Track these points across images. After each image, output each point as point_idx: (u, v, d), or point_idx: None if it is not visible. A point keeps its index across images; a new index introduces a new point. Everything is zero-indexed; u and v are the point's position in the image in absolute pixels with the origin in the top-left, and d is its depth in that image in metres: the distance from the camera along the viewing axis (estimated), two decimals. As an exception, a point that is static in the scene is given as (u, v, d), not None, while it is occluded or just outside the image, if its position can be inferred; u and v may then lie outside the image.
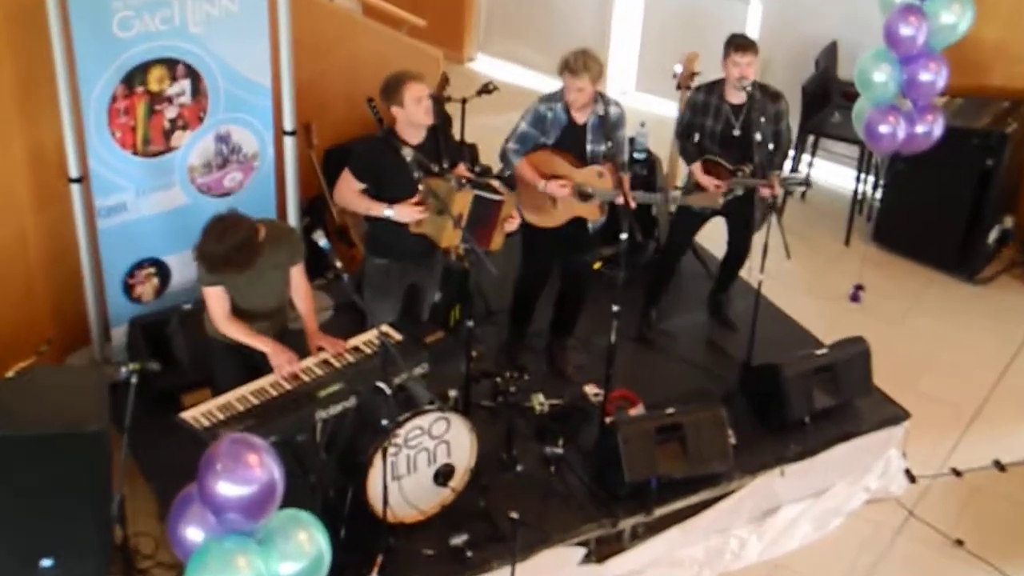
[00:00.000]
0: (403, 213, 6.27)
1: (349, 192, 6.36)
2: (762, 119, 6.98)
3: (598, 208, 6.80)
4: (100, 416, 5.66)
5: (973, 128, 8.38)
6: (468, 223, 6.22)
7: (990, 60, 8.72)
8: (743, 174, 7.04)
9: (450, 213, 6.14)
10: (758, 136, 6.94)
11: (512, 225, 6.48)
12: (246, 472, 4.67)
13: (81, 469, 5.61)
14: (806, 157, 9.43)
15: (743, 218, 7.38)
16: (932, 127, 7.92)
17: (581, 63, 6.54)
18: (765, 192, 6.96)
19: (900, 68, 7.77)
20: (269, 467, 4.72)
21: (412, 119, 6.22)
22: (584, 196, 6.74)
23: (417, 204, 6.26)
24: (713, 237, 7.89)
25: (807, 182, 7.47)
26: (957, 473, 7.25)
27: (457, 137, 8.00)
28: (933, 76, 7.71)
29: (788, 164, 8.67)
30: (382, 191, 6.31)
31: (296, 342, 6.11)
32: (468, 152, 8.41)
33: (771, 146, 7.06)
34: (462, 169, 6.51)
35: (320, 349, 6.09)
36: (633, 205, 6.63)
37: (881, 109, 7.92)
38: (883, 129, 7.92)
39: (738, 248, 7.60)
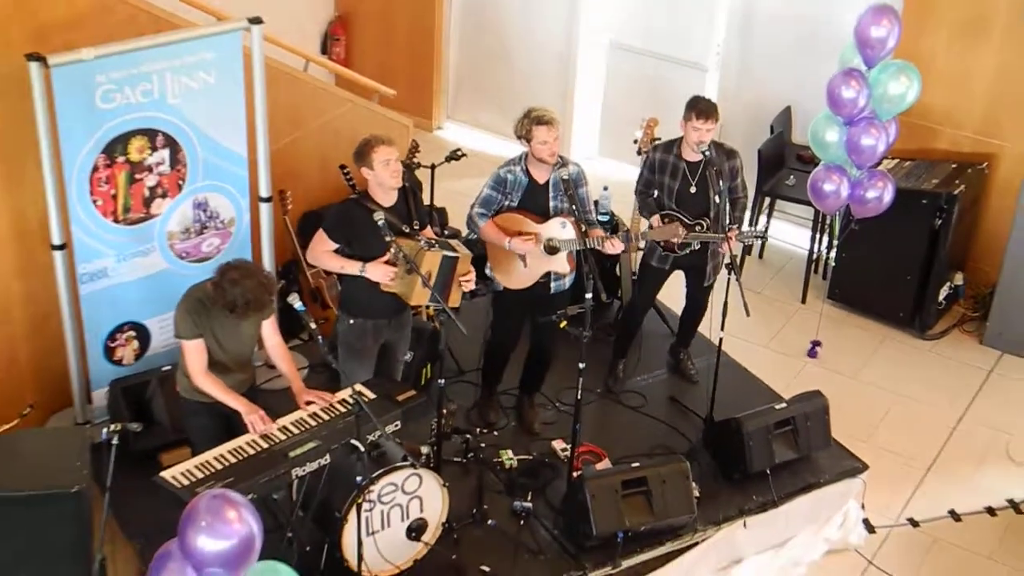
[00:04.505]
0: (375, 272, 6.33)
1: (322, 252, 6.42)
2: (718, 177, 7.07)
3: (567, 261, 6.87)
4: (82, 476, 5.67)
5: (922, 190, 8.50)
6: (436, 282, 6.30)
7: (936, 126, 8.88)
8: (701, 229, 7.14)
9: (419, 272, 6.22)
10: (714, 194, 7.00)
11: (468, 284, 6.54)
12: (226, 527, 4.69)
13: (63, 528, 5.62)
14: (763, 219, 9.53)
15: (699, 269, 7.44)
16: (883, 193, 8.02)
17: (550, 115, 6.63)
18: (724, 247, 7.05)
19: (845, 131, 7.92)
20: (248, 521, 4.74)
21: (380, 181, 6.29)
22: (551, 250, 6.82)
23: (388, 263, 6.35)
24: (672, 295, 7.97)
25: (763, 235, 7.52)
26: (914, 523, 7.30)
27: (427, 201, 8.07)
28: (875, 141, 7.80)
29: (745, 223, 8.79)
30: (354, 251, 6.37)
31: (268, 402, 6.14)
32: (438, 216, 8.50)
33: (728, 202, 7.15)
34: (430, 231, 6.59)
35: (309, 403, 6.12)
36: (613, 249, 6.72)
37: (827, 168, 8.07)
38: (827, 187, 8.06)
39: (696, 303, 7.66)
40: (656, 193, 7.24)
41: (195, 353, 5.91)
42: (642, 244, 7.27)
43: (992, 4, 8.53)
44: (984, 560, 7.10)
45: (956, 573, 7.00)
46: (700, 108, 6.98)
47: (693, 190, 7.14)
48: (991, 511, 7.42)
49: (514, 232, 6.78)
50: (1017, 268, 8.52)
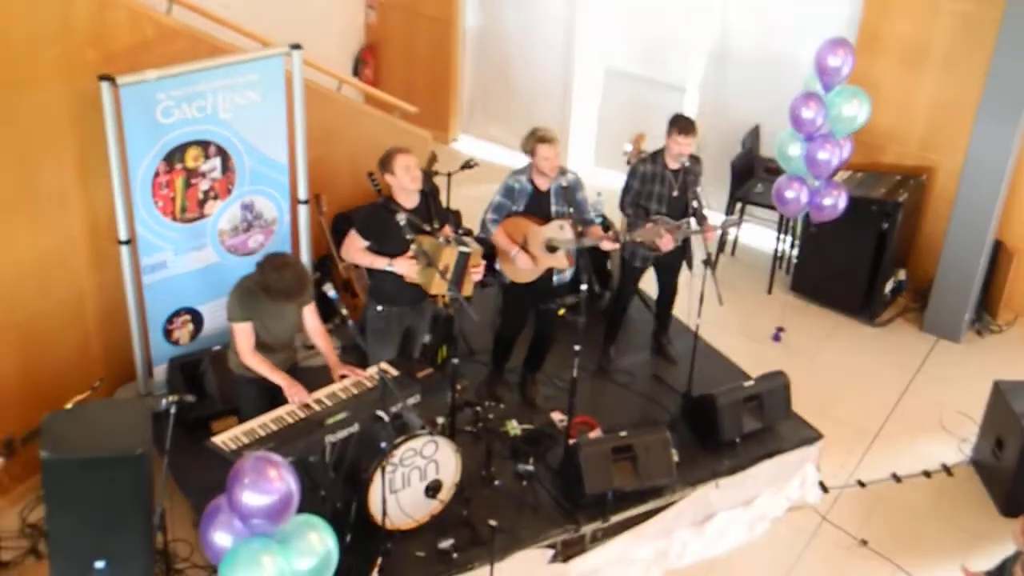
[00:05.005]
0: (401, 267, 6.32)
1: (355, 249, 6.41)
2: (696, 183, 7.07)
3: (566, 258, 6.83)
4: (144, 441, 5.68)
5: (872, 197, 8.47)
6: (452, 274, 6.28)
7: (883, 142, 8.86)
8: (687, 227, 7.12)
9: (437, 266, 6.20)
10: (692, 197, 7.04)
11: (478, 274, 6.50)
12: (268, 484, 4.70)
13: (129, 486, 5.63)
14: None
15: (668, 265, 7.50)
16: (837, 200, 8.02)
17: (552, 134, 6.63)
18: (709, 236, 7.07)
19: (805, 146, 7.89)
20: (287, 480, 4.76)
21: (402, 184, 6.27)
22: (552, 248, 6.79)
23: (412, 259, 6.31)
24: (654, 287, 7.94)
25: (739, 222, 7.52)
26: (862, 484, 7.30)
27: (444, 204, 8.05)
28: (829, 156, 7.79)
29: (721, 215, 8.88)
30: (382, 247, 6.36)
31: (305, 378, 6.13)
32: (453, 217, 8.47)
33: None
34: (448, 230, 6.57)
35: (343, 376, 6.11)
36: (610, 245, 6.72)
37: (789, 178, 8.07)
38: (789, 195, 8.07)
39: (667, 289, 7.68)
40: (646, 203, 7.18)
41: (244, 334, 5.90)
42: (626, 238, 7.21)
43: (929, 40, 8.50)
44: (921, 516, 7.10)
45: (897, 526, 7.00)
46: (682, 125, 7.00)
47: (676, 194, 7.14)
48: (927, 474, 7.41)
49: (520, 234, 6.77)
50: (951, 266, 8.50)
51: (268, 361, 5.95)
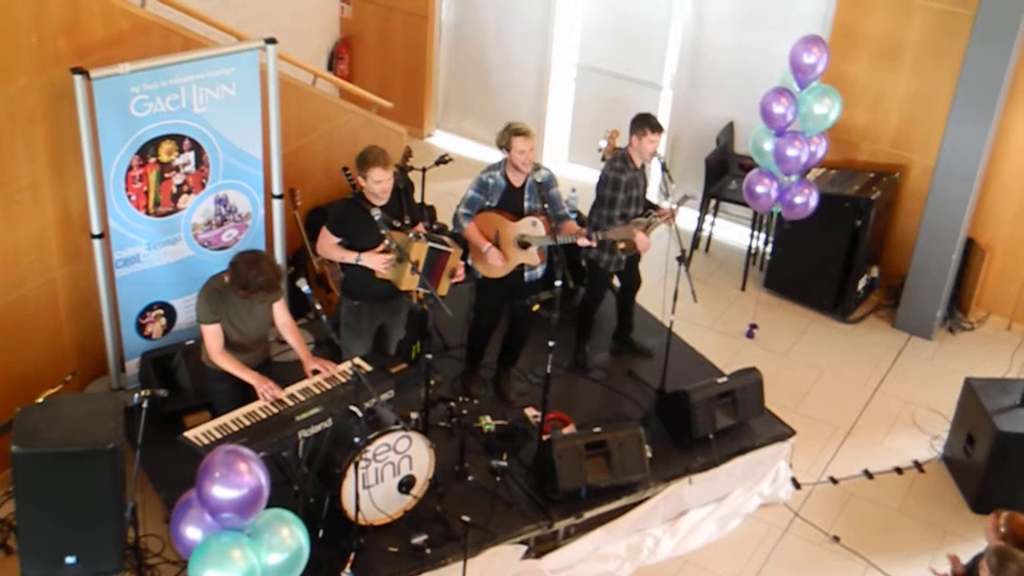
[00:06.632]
0: (370, 260, 6.33)
1: (328, 245, 6.43)
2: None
3: (538, 255, 6.84)
4: (116, 435, 5.65)
5: (845, 195, 8.50)
6: (423, 270, 6.28)
7: (857, 140, 8.91)
8: (652, 216, 7.13)
9: (409, 260, 6.20)
10: (662, 190, 7.12)
11: (458, 276, 6.50)
12: (238, 478, 4.69)
13: (100, 480, 5.60)
14: (709, 217, 9.53)
15: (634, 259, 7.45)
16: (808, 199, 8.06)
17: (527, 128, 6.63)
18: (672, 220, 7.02)
19: (775, 142, 7.93)
20: (257, 473, 4.75)
21: (371, 192, 6.29)
22: (524, 245, 6.79)
23: (382, 253, 6.31)
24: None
25: (685, 197, 7.32)
26: (834, 481, 7.34)
27: (418, 200, 8.05)
28: (798, 152, 7.83)
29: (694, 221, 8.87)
30: (353, 243, 6.37)
31: (279, 373, 6.12)
32: (428, 213, 8.47)
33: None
34: (421, 227, 6.57)
35: (315, 372, 6.10)
36: (586, 242, 6.68)
37: (760, 172, 8.11)
38: (759, 189, 8.10)
39: (632, 284, 7.62)
40: (619, 210, 7.11)
41: (212, 336, 5.90)
42: (599, 237, 7.17)
43: (903, 39, 8.55)
44: (892, 512, 7.15)
45: (868, 523, 7.04)
46: (653, 124, 7.02)
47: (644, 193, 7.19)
48: (899, 470, 7.47)
49: (493, 229, 6.76)
50: (924, 263, 8.55)
51: (238, 361, 5.94)
